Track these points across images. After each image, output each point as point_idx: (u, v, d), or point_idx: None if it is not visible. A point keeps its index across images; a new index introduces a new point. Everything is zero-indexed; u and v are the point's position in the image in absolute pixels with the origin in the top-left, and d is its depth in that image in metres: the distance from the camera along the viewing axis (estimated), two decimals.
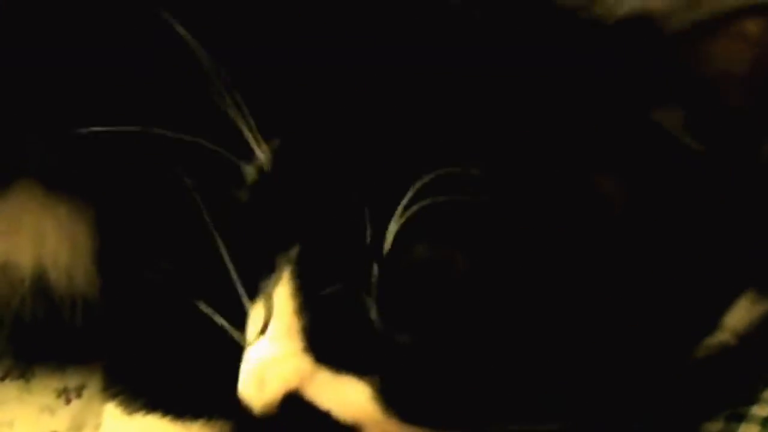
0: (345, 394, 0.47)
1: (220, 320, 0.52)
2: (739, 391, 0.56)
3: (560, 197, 0.46)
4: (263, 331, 0.49)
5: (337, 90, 0.50)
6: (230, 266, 0.51)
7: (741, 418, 0.55)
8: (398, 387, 0.47)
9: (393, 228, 0.44)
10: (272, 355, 0.48)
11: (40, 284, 0.63)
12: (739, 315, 0.51)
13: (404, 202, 0.44)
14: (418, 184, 0.44)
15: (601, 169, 0.46)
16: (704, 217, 0.47)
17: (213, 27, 0.53)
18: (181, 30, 0.52)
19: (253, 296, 0.51)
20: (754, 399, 0.57)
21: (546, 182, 0.46)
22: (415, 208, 0.44)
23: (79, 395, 0.68)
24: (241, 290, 0.51)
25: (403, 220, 0.44)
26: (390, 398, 0.47)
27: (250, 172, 0.51)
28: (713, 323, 0.50)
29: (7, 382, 0.69)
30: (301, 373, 0.47)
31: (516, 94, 0.47)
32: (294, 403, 0.47)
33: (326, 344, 0.47)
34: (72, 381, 0.68)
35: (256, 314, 0.50)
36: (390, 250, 0.45)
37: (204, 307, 0.52)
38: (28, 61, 0.58)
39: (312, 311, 0.47)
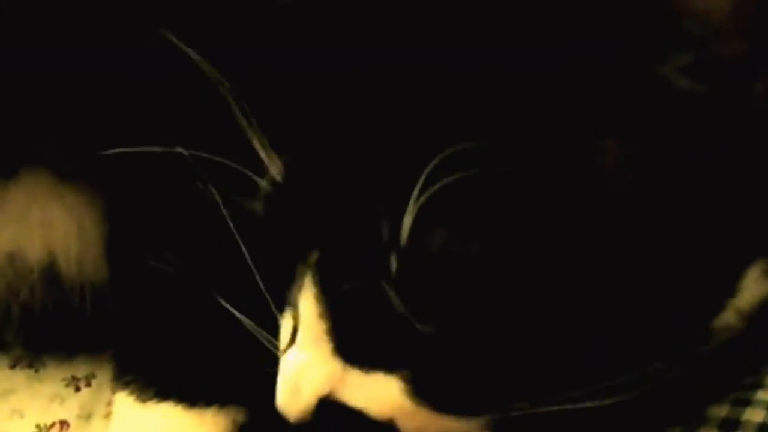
0: (376, 391, 0.47)
1: (248, 322, 0.53)
2: (745, 374, 0.57)
3: (566, 166, 0.45)
4: (293, 339, 0.50)
5: (335, 92, 0.50)
6: (250, 261, 0.52)
7: (747, 403, 0.55)
8: (427, 377, 0.47)
9: (408, 219, 0.44)
10: (303, 363, 0.48)
11: (50, 273, 0.63)
12: (746, 295, 0.51)
13: (416, 190, 0.44)
14: (427, 170, 0.44)
15: (606, 133, 0.46)
16: (712, 171, 0.47)
17: (220, 46, 0.54)
18: (191, 52, 0.52)
19: (279, 305, 0.51)
20: (759, 384, 0.57)
21: (552, 152, 0.45)
22: (427, 194, 0.44)
23: (88, 384, 0.68)
24: (268, 298, 0.52)
25: (416, 209, 0.44)
26: (420, 390, 0.47)
27: (263, 185, 0.51)
28: (725, 294, 0.50)
29: (17, 370, 0.69)
30: (332, 377, 0.48)
31: (514, 65, 0.46)
32: (327, 405, 0.48)
33: (353, 344, 0.48)
34: (81, 370, 0.69)
35: (285, 324, 0.51)
36: (406, 242, 0.45)
37: (233, 310, 0.53)
38: (36, 58, 0.58)
39: (336, 314, 0.48)
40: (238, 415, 0.57)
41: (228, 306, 0.53)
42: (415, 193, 0.44)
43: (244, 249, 0.52)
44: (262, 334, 0.52)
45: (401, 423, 0.48)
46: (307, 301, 0.48)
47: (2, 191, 0.61)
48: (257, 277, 0.53)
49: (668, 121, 0.46)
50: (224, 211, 0.53)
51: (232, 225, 0.53)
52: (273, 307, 0.52)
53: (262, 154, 0.50)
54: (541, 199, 0.45)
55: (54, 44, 0.58)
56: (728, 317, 0.52)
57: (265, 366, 0.52)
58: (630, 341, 0.47)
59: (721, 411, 0.55)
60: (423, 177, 0.44)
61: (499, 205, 0.45)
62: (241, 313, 0.53)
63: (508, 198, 0.45)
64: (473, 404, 0.48)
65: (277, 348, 0.52)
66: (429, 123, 0.46)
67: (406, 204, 0.44)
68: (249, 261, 0.53)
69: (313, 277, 0.48)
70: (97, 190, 0.61)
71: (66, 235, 0.62)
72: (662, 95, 0.46)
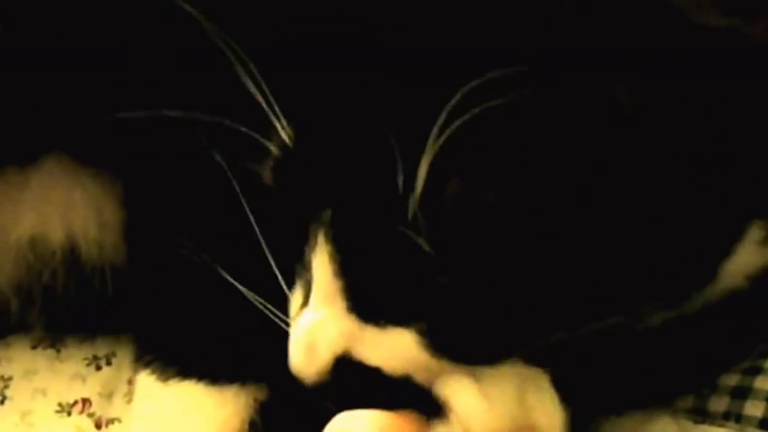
0: (392, 346, 0.47)
1: (251, 294, 0.53)
2: (755, 342, 0.57)
3: (579, 111, 0.45)
4: (305, 302, 0.50)
5: (345, 42, 0.49)
6: (263, 241, 0.52)
7: (757, 371, 0.56)
8: (442, 329, 0.47)
9: (424, 165, 0.44)
10: (317, 322, 0.48)
11: (71, 256, 0.63)
12: (749, 257, 0.51)
13: (432, 135, 0.43)
14: (444, 113, 0.43)
15: (616, 79, 0.45)
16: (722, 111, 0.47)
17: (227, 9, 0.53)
18: (198, 15, 0.52)
19: (287, 272, 0.51)
20: None
21: (566, 96, 0.45)
22: (443, 138, 0.43)
23: (109, 363, 0.69)
24: (275, 266, 0.52)
25: (432, 156, 0.44)
26: (436, 341, 0.47)
27: (273, 148, 0.50)
28: (725, 250, 0.50)
29: (39, 351, 0.70)
30: (348, 334, 0.48)
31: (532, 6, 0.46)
32: (343, 365, 0.48)
33: (368, 301, 0.47)
34: (101, 349, 0.69)
35: (296, 288, 0.51)
36: (422, 190, 0.44)
37: (245, 290, 0.53)
38: (54, 43, 0.58)
39: (351, 271, 0.47)
40: (260, 392, 0.57)
41: (232, 279, 0.53)
42: (431, 138, 0.43)
43: (254, 224, 0.52)
44: (267, 307, 0.52)
45: (417, 377, 0.48)
46: (321, 261, 0.48)
47: (23, 177, 0.62)
48: (267, 253, 0.52)
49: (682, 58, 0.45)
50: (235, 184, 0.53)
51: (242, 199, 0.53)
52: (281, 279, 0.52)
53: (271, 117, 0.49)
54: (553, 144, 0.44)
55: (64, 32, 0.58)
56: (732, 278, 0.52)
57: (284, 343, 0.53)
58: (636, 283, 0.47)
59: (732, 379, 0.56)
60: (441, 119, 0.43)
61: (513, 151, 0.44)
62: (254, 291, 0.53)
63: (522, 144, 0.44)
64: (487, 353, 0.47)
65: (284, 321, 0.52)
66: (441, 69, 0.45)
67: (421, 151, 0.44)
68: (259, 235, 0.52)
69: (327, 235, 0.47)
70: (115, 174, 0.62)
71: (86, 218, 0.63)
72: (679, 30, 0.45)
